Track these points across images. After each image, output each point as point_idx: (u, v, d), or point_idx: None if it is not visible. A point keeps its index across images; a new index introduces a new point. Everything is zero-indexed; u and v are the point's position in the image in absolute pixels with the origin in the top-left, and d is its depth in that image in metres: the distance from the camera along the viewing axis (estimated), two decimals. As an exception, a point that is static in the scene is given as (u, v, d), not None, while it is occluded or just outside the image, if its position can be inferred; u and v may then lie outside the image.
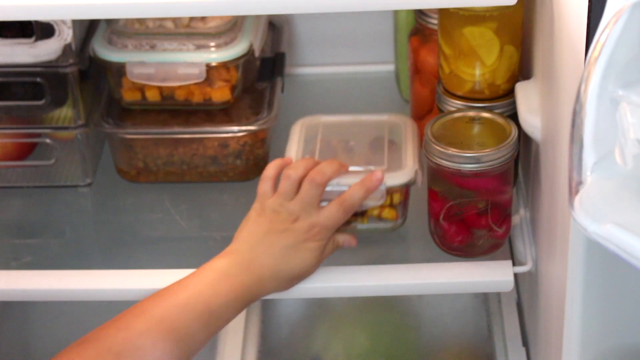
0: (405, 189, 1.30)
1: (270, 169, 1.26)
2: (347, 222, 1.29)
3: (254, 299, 1.19)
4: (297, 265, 1.21)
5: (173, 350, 1.10)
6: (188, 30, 1.38)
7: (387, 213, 1.31)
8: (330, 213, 1.23)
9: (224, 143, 1.42)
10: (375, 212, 1.30)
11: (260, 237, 1.20)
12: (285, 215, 1.21)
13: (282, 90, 1.49)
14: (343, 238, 1.27)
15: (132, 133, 1.42)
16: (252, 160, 1.43)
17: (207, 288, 1.14)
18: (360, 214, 1.30)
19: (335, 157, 1.31)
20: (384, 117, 1.39)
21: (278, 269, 1.20)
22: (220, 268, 1.17)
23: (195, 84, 1.39)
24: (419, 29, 1.40)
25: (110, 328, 1.10)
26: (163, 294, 1.14)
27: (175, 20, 1.37)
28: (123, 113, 1.44)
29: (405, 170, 1.29)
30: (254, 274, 1.18)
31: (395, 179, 1.28)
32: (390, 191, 1.28)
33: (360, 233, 1.31)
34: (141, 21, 1.38)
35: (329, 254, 1.26)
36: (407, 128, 1.36)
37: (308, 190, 1.23)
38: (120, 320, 1.11)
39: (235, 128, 1.41)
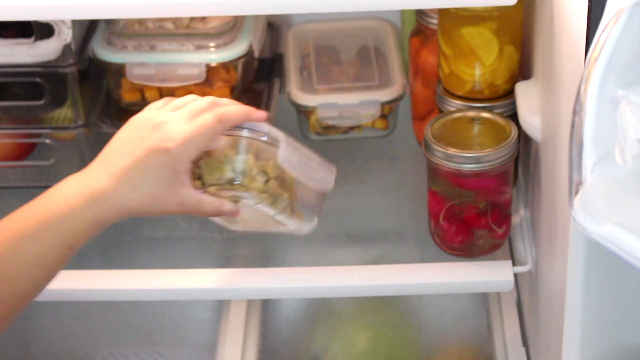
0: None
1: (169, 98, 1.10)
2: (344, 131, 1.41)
3: (100, 222, 1.03)
4: (152, 185, 1.02)
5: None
6: (188, 30, 1.38)
7: (379, 123, 1.45)
8: (198, 122, 1.03)
9: (222, 143, 1.42)
10: (369, 123, 1.44)
11: (117, 147, 1.04)
12: (152, 122, 1.04)
13: (280, 91, 1.49)
14: (228, 206, 1.09)
15: (131, 133, 1.42)
16: (252, 161, 1.43)
17: (43, 210, 1.00)
18: (356, 126, 1.44)
19: (328, 72, 1.36)
20: (367, 23, 1.53)
21: (131, 185, 1.02)
22: (61, 185, 1.02)
23: (195, 84, 1.39)
24: (420, 30, 1.40)
25: None
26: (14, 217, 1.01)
27: (175, 21, 1.37)
28: (121, 113, 1.44)
29: (395, 87, 1.43)
30: (92, 192, 1.01)
31: (387, 95, 1.43)
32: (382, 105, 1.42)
33: (356, 141, 1.42)
34: (141, 22, 1.38)
35: (206, 210, 1.07)
36: (389, 35, 1.50)
37: (196, 104, 1.06)
38: None
39: (234, 128, 1.41)
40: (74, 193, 1.01)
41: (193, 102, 1.07)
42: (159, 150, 1.02)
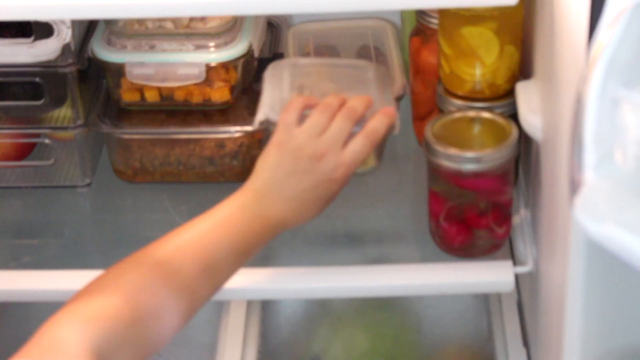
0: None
1: (297, 101, 1.20)
2: None
3: (273, 235, 1.16)
4: (317, 205, 1.17)
5: (202, 288, 1.10)
6: (188, 30, 1.37)
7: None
8: (356, 148, 1.17)
9: (220, 143, 1.42)
10: None
11: (282, 177, 1.15)
12: (310, 152, 1.15)
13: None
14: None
15: (129, 133, 1.42)
16: (249, 161, 1.42)
17: (220, 235, 1.12)
18: None
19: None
20: (367, 23, 1.49)
21: (301, 209, 1.16)
22: (236, 212, 1.13)
23: (195, 84, 1.39)
24: (420, 30, 1.40)
25: (123, 268, 1.08)
26: (176, 234, 1.12)
27: (174, 20, 1.37)
28: (120, 113, 1.44)
29: (395, 87, 1.37)
30: (280, 215, 1.15)
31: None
32: None
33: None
34: (140, 22, 1.38)
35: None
36: (389, 35, 1.47)
37: (340, 125, 1.16)
38: (132, 260, 1.10)
39: (232, 129, 1.41)
40: (255, 230, 1.14)
41: (334, 125, 1.17)
42: (328, 183, 1.16)
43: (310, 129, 1.17)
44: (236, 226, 1.12)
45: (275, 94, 1.30)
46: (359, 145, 1.17)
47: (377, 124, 1.19)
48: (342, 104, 1.20)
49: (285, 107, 1.20)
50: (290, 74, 1.34)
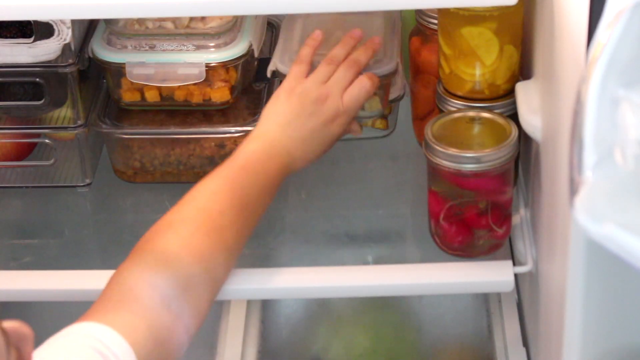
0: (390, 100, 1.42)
1: (306, 52, 1.31)
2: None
3: (284, 177, 1.25)
4: (321, 147, 1.28)
5: (246, 224, 1.20)
6: (188, 30, 1.37)
7: (379, 123, 1.44)
8: (352, 95, 1.28)
9: (220, 143, 1.42)
10: (369, 123, 1.43)
11: (290, 119, 1.26)
12: (315, 96, 1.27)
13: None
14: (355, 127, 1.34)
15: (129, 133, 1.42)
16: (250, 161, 1.42)
17: (250, 173, 1.21)
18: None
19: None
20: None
21: (307, 150, 1.26)
22: (257, 152, 1.23)
23: (195, 84, 1.39)
24: (420, 30, 1.40)
25: (162, 228, 1.18)
26: (215, 179, 1.21)
27: (175, 21, 1.37)
28: (120, 113, 1.44)
29: (395, 87, 1.41)
30: (285, 156, 1.24)
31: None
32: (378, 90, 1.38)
33: (356, 140, 1.41)
34: (141, 22, 1.38)
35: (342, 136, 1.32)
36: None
37: (344, 74, 1.28)
38: (191, 201, 1.20)
39: (232, 129, 1.41)
40: (271, 169, 1.23)
41: (337, 73, 1.29)
42: (331, 124, 1.28)
43: (315, 77, 1.28)
44: (256, 168, 1.21)
45: (287, 46, 1.40)
46: (355, 90, 1.29)
47: (358, 54, 1.31)
48: (347, 55, 1.31)
49: (297, 59, 1.31)
50: (302, 26, 1.42)
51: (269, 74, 1.39)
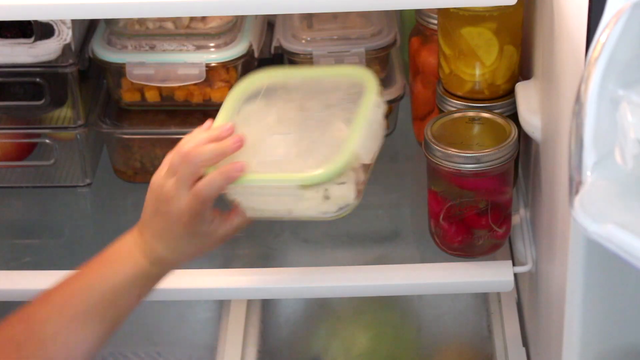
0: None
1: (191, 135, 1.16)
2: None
3: (161, 274, 1.15)
4: (193, 244, 1.15)
5: (78, 334, 1.09)
6: (188, 31, 1.38)
7: None
8: (205, 185, 1.12)
9: (221, 144, 1.42)
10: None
11: (150, 215, 1.14)
12: (164, 194, 1.13)
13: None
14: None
15: (129, 133, 1.42)
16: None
17: (111, 267, 1.12)
18: None
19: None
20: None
21: (173, 248, 1.14)
22: (124, 245, 1.14)
23: (195, 84, 1.39)
24: (420, 30, 1.40)
25: (14, 317, 1.10)
26: (68, 279, 1.13)
27: (175, 21, 1.37)
28: (120, 113, 1.44)
29: (395, 87, 1.41)
30: (154, 252, 1.13)
31: (387, 95, 1.40)
32: None
33: None
34: (141, 23, 1.38)
35: (229, 235, 1.16)
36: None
37: (183, 169, 1.12)
38: (24, 309, 1.11)
39: (233, 128, 1.41)
40: (141, 257, 1.13)
41: (184, 163, 1.12)
42: (179, 224, 1.13)
43: (165, 170, 1.14)
44: (117, 260, 1.13)
45: (287, 23, 1.40)
46: (207, 180, 1.13)
47: (209, 181, 1.12)
48: (203, 142, 1.14)
49: (172, 151, 1.16)
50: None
51: (272, 50, 1.41)
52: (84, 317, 1.10)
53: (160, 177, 1.14)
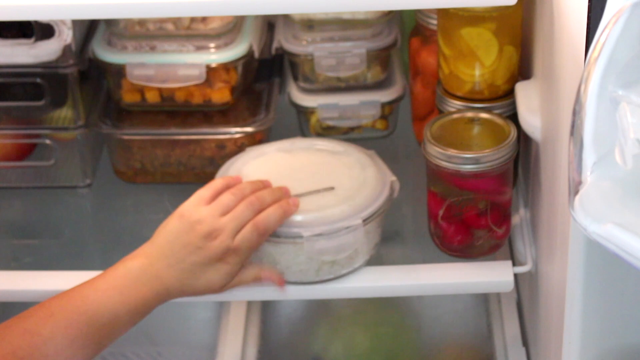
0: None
1: (219, 181, 1.23)
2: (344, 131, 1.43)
3: (158, 303, 1.17)
4: (202, 284, 1.18)
5: (77, 356, 1.10)
6: (188, 32, 1.38)
7: (380, 124, 1.45)
8: (244, 236, 1.18)
9: (221, 144, 1.42)
10: (369, 123, 1.44)
11: (175, 247, 1.17)
12: (206, 230, 1.17)
13: (280, 92, 1.49)
14: (267, 274, 1.23)
15: (130, 134, 1.43)
16: (250, 162, 1.42)
17: (116, 294, 1.13)
18: (356, 126, 1.44)
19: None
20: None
21: (184, 283, 1.17)
22: (131, 273, 1.15)
23: (195, 85, 1.39)
24: (420, 30, 1.41)
25: (16, 329, 1.09)
26: (72, 296, 1.13)
27: (175, 22, 1.37)
28: (121, 114, 1.44)
29: (395, 87, 1.44)
30: (162, 285, 1.16)
31: (388, 96, 1.44)
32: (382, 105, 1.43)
33: (356, 141, 1.34)
34: (141, 24, 1.38)
35: (247, 282, 1.22)
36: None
37: (242, 211, 1.19)
38: (27, 321, 1.10)
39: (232, 129, 1.42)
40: (146, 289, 1.15)
41: (236, 209, 1.19)
42: (218, 263, 1.17)
43: (214, 207, 1.18)
44: (122, 289, 1.14)
45: (288, 24, 1.42)
46: (247, 233, 1.18)
47: (267, 215, 1.20)
48: (254, 191, 1.22)
49: (208, 184, 1.22)
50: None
51: (273, 51, 1.43)
52: (84, 340, 1.11)
53: (200, 213, 1.17)
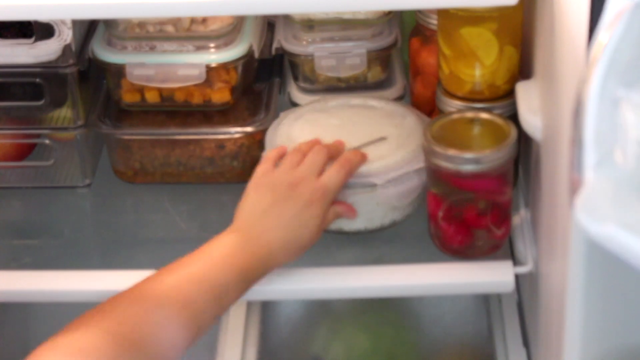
0: None
1: (272, 152, 1.27)
2: None
3: (265, 272, 1.18)
4: (303, 233, 1.20)
5: (186, 324, 1.09)
6: (189, 34, 1.37)
7: None
8: (332, 175, 1.23)
9: (220, 144, 1.42)
10: None
11: (264, 209, 1.19)
12: (286, 182, 1.20)
13: (280, 92, 1.49)
14: (342, 208, 1.27)
15: (129, 134, 1.43)
16: (249, 162, 1.42)
17: (218, 264, 1.13)
18: None
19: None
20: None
21: (287, 239, 1.18)
22: (229, 244, 1.15)
23: (195, 85, 1.39)
24: (420, 30, 1.41)
25: (125, 300, 1.09)
26: (175, 269, 1.12)
27: (175, 24, 1.37)
28: (120, 113, 1.44)
29: (395, 87, 1.46)
30: (263, 247, 1.17)
31: (388, 96, 1.44)
32: None
33: None
34: (141, 26, 1.38)
35: (331, 222, 1.25)
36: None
37: (313, 158, 1.23)
38: (134, 292, 1.10)
39: (232, 129, 1.41)
40: (246, 267, 1.15)
41: (307, 158, 1.24)
42: (309, 207, 1.20)
43: (284, 165, 1.23)
44: (232, 263, 1.14)
45: (288, 24, 1.44)
46: (333, 171, 1.23)
47: (352, 155, 1.26)
48: (311, 147, 1.26)
49: (263, 158, 1.27)
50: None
51: (273, 51, 1.44)
52: (191, 308, 1.10)
53: (272, 175, 1.21)
